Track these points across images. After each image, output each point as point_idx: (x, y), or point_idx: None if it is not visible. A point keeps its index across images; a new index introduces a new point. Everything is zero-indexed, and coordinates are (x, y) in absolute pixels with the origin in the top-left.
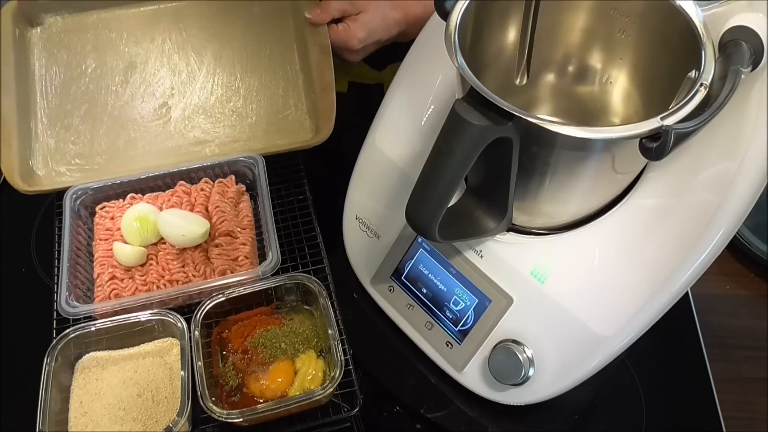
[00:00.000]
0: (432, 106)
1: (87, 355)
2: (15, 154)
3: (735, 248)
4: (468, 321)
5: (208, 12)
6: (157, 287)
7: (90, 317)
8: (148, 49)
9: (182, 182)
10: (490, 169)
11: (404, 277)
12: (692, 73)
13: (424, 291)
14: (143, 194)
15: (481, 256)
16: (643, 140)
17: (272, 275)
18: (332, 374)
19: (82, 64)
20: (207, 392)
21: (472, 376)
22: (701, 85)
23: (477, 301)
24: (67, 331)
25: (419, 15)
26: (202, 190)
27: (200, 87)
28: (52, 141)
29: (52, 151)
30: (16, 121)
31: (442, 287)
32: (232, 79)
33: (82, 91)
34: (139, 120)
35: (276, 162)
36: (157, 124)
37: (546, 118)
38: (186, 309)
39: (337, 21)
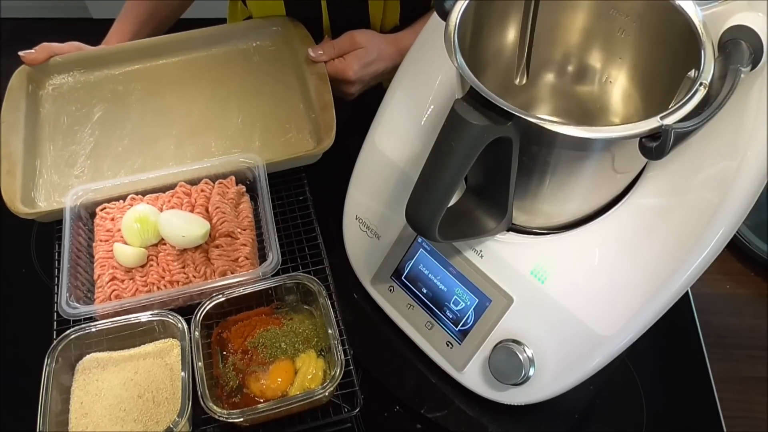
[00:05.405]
0: (432, 106)
1: (87, 356)
2: (18, 183)
3: (735, 248)
4: (468, 321)
5: (210, 63)
6: (158, 288)
7: (90, 318)
8: (155, 97)
9: (182, 183)
10: (490, 169)
11: (404, 277)
12: (692, 73)
13: (425, 291)
14: (143, 195)
15: (481, 256)
16: (643, 140)
17: (272, 275)
18: (332, 373)
19: (90, 114)
20: (207, 392)
21: (472, 376)
22: (701, 84)
23: (477, 301)
24: (68, 332)
25: (411, 46)
26: (202, 191)
27: (206, 125)
28: (56, 177)
29: (56, 185)
30: (22, 157)
31: (443, 287)
32: (237, 114)
33: (88, 134)
34: (144, 153)
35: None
36: (162, 155)
37: (546, 118)
38: (186, 310)
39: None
